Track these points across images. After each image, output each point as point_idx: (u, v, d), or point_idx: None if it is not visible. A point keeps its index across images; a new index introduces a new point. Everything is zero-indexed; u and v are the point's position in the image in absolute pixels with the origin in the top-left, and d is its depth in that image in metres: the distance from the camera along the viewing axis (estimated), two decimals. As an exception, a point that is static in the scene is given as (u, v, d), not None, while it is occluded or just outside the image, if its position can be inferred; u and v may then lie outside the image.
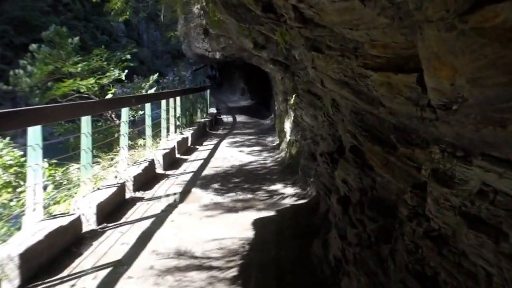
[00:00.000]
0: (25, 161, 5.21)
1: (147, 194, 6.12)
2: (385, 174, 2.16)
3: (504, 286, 1.25)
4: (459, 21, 0.92)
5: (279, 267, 3.96)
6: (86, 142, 5.11)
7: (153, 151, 7.98)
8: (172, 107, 10.04)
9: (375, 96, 1.98)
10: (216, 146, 10.55)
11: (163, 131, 9.18)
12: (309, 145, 6.08)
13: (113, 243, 4.30)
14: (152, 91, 11.38)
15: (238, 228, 4.80)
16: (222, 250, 4.16)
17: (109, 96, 9.74)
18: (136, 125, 10.01)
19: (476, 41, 0.90)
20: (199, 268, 3.76)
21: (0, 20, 32.22)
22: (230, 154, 9.45)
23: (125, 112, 6.54)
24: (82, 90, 9.53)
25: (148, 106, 7.95)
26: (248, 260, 4.00)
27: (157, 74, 13.08)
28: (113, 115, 10.16)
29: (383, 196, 2.29)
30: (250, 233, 4.66)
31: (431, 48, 1.21)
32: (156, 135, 9.23)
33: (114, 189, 5.35)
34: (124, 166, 6.52)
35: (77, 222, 4.36)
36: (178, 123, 10.62)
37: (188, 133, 10.67)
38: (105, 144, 8.88)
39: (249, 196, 6.20)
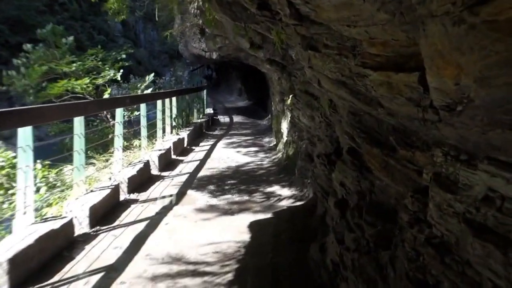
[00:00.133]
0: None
1: (142, 196, 6.03)
2: (384, 177, 2.08)
3: (513, 298, 1.17)
4: (468, 14, 0.84)
5: (275, 272, 3.87)
6: (79, 143, 5.02)
7: (149, 152, 7.89)
8: (168, 107, 9.94)
9: (373, 97, 1.90)
10: (212, 147, 10.46)
11: (159, 132, 9.09)
12: (306, 146, 6.00)
13: (106, 247, 4.21)
14: (148, 91, 11.28)
15: (234, 231, 4.72)
16: (217, 254, 4.07)
17: (105, 96, 9.64)
18: (132, 125, 9.91)
19: (488, 36, 0.82)
20: (193, 273, 3.67)
21: (-4, 19, 32.03)
22: (226, 155, 9.36)
23: (119, 113, 6.44)
24: (76, 90, 9.41)
25: (143, 106, 7.85)
26: (244, 264, 3.91)
27: (153, 74, 12.96)
28: (108, 116, 10.05)
29: (382, 200, 2.22)
30: (246, 236, 4.58)
31: (434, 45, 1.13)
32: (152, 135, 9.14)
33: (108, 191, 5.25)
34: (119, 168, 6.42)
35: (69, 226, 4.26)
36: (174, 123, 10.52)
37: (184, 133, 10.57)
38: (100, 144, 8.79)
39: (245, 198, 6.11)
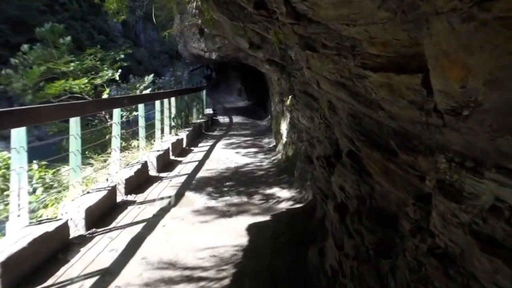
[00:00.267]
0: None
1: (139, 197, 5.96)
2: (385, 182, 2.00)
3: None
4: (479, 10, 0.77)
5: (274, 275, 3.80)
6: (75, 144, 4.94)
7: (147, 153, 7.81)
8: (167, 108, 9.87)
9: (374, 99, 1.82)
10: (211, 148, 10.38)
11: (158, 132, 9.01)
12: (305, 148, 5.92)
13: (101, 250, 4.14)
14: (146, 91, 11.20)
15: (232, 234, 4.64)
16: (214, 258, 4.00)
17: (104, 97, 9.56)
18: (131, 125, 9.83)
19: (501, 34, 0.74)
20: (190, 277, 3.59)
21: (-4, 19, 32.01)
22: (225, 156, 9.29)
23: (117, 113, 6.37)
24: (74, 90, 9.34)
25: (141, 107, 7.78)
26: (241, 268, 3.84)
27: (152, 75, 12.88)
28: (106, 116, 9.98)
29: (383, 205, 2.14)
30: (244, 239, 4.51)
31: (439, 44, 1.05)
32: (150, 136, 9.06)
33: (104, 192, 5.18)
34: (116, 169, 6.34)
35: (64, 228, 4.19)
36: (173, 124, 10.45)
37: (183, 134, 10.50)
38: (99, 144, 8.72)
39: (244, 199, 6.04)
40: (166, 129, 9.86)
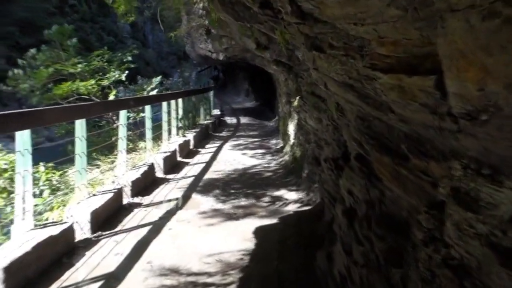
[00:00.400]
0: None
1: (146, 199, 5.92)
2: (395, 188, 1.92)
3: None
4: (504, 5, 0.69)
5: (281, 280, 3.74)
6: (80, 146, 4.91)
7: (154, 155, 7.78)
8: (174, 109, 9.84)
9: (383, 101, 1.74)
10: (218, 149, 10.34)
11: (165, 134, 8.98)
12: (313, 149, 5.83)
13: (107, 253, 4.10)
14: (153, 92, 11.18)
15: (239, 237, 4.58)
16: (220, 262, 3.94)
17: (111, 98, 9.55)
18: (138, 127, 9.81)
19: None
20: (196, 283, 3.53)
21: (6, 22, 32.34)
22: (232, 157, 9.23)
23: (123, 115, 6.35)
24: (81, 91, 9.34)
25: (148, 108, 7.75)
26: (248, 272, 3.77)
27: (160, 76, 12.87)
28: (114, 117, 9.97)
29: (393, 211, 2.05)
30: (250, 243, 4.44)
31: (455, 44, 0.97)
32: (157, 137, 9.04)
33: (110, 195, 5.15)
34: (123, 171, 6.32)
35: (69, 231, 4.16)
36: (180, 125, 10.41)
37: (190, 135, 10.46)
38: (106, 146, 8.71)
39: (251, 202, 5.97)
40: (173, 130, 9.83)
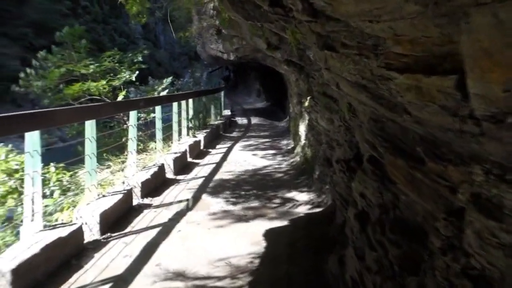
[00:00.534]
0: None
1: (156, 200, 5.89)
2: (410, 192, 1.84)
3: None
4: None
5: (291, 284, 3.67)
6: (90, 147, 4.90)
7: (164, 155, 7.76)
8: (185, 109, 9.82)
9: (398, 102, 1.67)
10: (229, 150, 10.29)
11: (175, 134, 8.96)
12: (324, 150, 5.75)
13: (115, 255, 4.07)
14: (164, 93, 11.19)
15: (248, 239, 4.52)
16: (230, 265, 3.88)
17: (119, 98, 9.57)
18: (149, 127, 9.81)
19: None
20: (205, 286, 3.48)
21: (20, 23, 32.75)
22: (243, 158, 9.18)
23: (133, 116, 6.33)
24: (92, 92, 9.37)
25: (158, 109, 7.74)
26: (257, 276, 3.71)
27: (171, 77, 12.88)
28: (125, 118, 9.99)
29: (408, 216, 1.98)
30: (260, 245, 4.38)
31: (479, 42, 0.90)
32: (168, 138, 9.03)
33: (120, 196, 5.13)
34: (133, 171, 6.30)
35: (78, 233, 4.14)
36: (190, 125, 10.40)
37: (201, 136, 10.44)
38: (117, 146, 8.72)
39: (261, 203, 5.91)
40: (184, 131, 9.81)
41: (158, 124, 7.68)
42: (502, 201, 1.17)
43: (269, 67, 12.05)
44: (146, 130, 9.50)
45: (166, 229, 4.79)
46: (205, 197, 6.15)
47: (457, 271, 1.41)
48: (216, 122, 13.81)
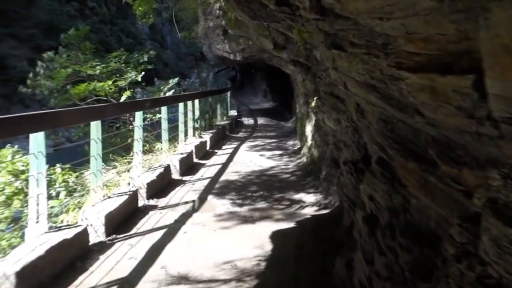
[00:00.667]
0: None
1: (161, 202, 5.86)
2: (423, 196, 1.78)
3: None
4: None
5: (298, 287, 3.61)
6: (95, 148, 4.87)
7: (170, 156, 7.73)
8: (191, 110, 9.79)
9: (409, 103, 1.61)
10: (235, 150, 10.25)
11: (181, 135, 8.93)
12: (331, 151, 5.68)
13: (121, 257, 4.03)
14: (169, 93, 11.17)
15: (254, 241, 4.47)
16: (235, 268, 3.83)
17: (123, 98, 9.56)
18: (155, 128, 9.80)
19: None
20: (210, 289, 3.44)
21: (28, 24, 33.02)
22: (249, 159, 9.12)
23: (139, 116, 6.30)
24: (98, 91, 9.37)
25: (164, 109, 7.71)
26: (264, 279, 3.65)
27: (177, 78, 12.87)
28: (131, 118, 9.99)
29: (419, 221, 1.91)
30: (266, 248, 4.32)
31: (499, 38, 0.84)
32: (174, 138, 9.00)
33: (125, 197, 5.10)
34: (138, 172, 6.28)
35: (83, 234, 4.11)
36: (196, 126, 10.37)
37: (207, 136, 10.40)
38: (123, 147, 8.72)
39: (268, 204, 5.85)
40: (190, 131, 9.79)
41: (164, 125, 7.65)
42: (521, 208, 1.11)
43: (276, 67, 12.00)
44: (152, 131, 9.49)
45: (171, 230, 4.75)
46: (211, 198, 6.11)
47: (472, 279, 1.35)
48: (222, 123, 13.78)
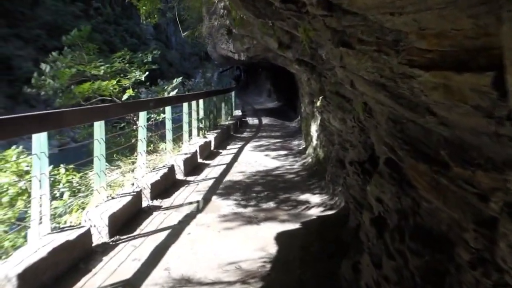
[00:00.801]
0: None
1: (165, 202, 5.81)
2: (434, 199, 1.71)
3: None
4: None
5: (304, 289, 3.55)
6: (99, 148, 4.83)
7: (174, 156, 7.69)
8: (195, 110, 9.75)
9: (420, 102, 1.55)
10: (240, 150, 10.19)
11: (185, 135, 8.89)
12: (337, 151, 5.61)
13: (124, 259, 3.99)
14: (173, 93, 11.14)
15: (259, 242, 4.41)
16: (240, 270, 3.77)
17: (124, 97, 9.53)
18: (159, 128, 9.77)
19: None
20: (214, 291, 3.39)
21: (34, 25, 33.17)
22: (254, 159, 9.07)
23: (142, 116, 6.26)
24: (103, 90, 9.35)
25: (168, 109, 7.67)
26: (269, 281, 3.59)
27: (181, 78, 12.84)
28: (135, 118, 9.97)
29: (430, 224, 1.85)
30: (271, 249, 4.26)
31: (524, 32, 0.78)
32: (178, 138, 8.96)
33: (129, 198, 5.05)
34: (142, 173, 6.24)
35: (86, 236, 4.07)
36: (201, 126, 10.33)
37: (211, 136, 10.36)
38: (128, 147, 8.70)
39: (272, 205, 5.79)
40: (194, 131, 9.74)
41: (168, 125, 7.61)
42: (543, 213, 1.04)
43: (280, 66, 11.94)
44: (156, 131, 9.46)
45: (175, 231, 4.70)
46: (215, 199, 6.06)
47: (487, 287, 1.28)
48: (226, 123, 13.73)
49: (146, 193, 5.75)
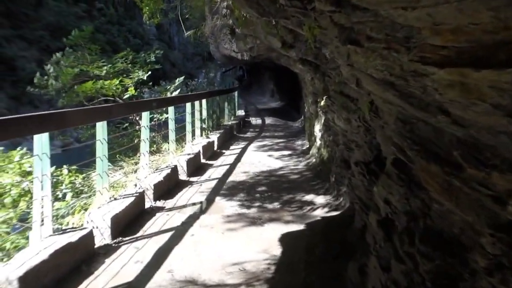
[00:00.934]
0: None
1: (168, 203, 5.76)
2: (446, 201, 1.65)
3: None
4: None
5: (309, 292, 3.49)
6: (101, 149, 4.79)
7: (177, 156, 7.64)
8: (198, 110, 9.71)
9: (432, 101, 1.49)
10: (243, 150, 10.14)
11: (188, 135, 8.85)
12: (341, 151, 5.55)
13: (126, 261, 3.94)
14: (176, 93, 11.10)
15: (263, 244, 4.36)
16: (244, 272, 3.72)
17: (126, 97, 9.50)
18: (162, 128, 9.73)
19: None
20: (217, 294, 3.34)
21: (37, 26, 33.27)
22: (257, 159, 9.01)
23: (145, 117, 6.22)
24: (105, 92, 9.32)
25: (171, 109, 7.62)
26: (273, 284, 3.54)
27: (183, 77, 12.80)
28: (137, 118, 9.93)
29: (441, 227, 1.79)
30: (276, 251, 4.21)
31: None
32: (181, 138, 8.92)
33: (132, 199, 5.01)
34: (145, 173, 6.19)
35: (88, 237, 4.02)
36: (204, 126, 10.28)
37: (214, 136, 10.31)
38: (131, 147, 8.66)
39: (277, 206, 5.74)
40: (197, 131, 9.70)
41: (171, 125, 7.56)
42: None
43: (284, 66, 11.88)
44: (159, 131, 9.42)
45: (178, 233, 4.65)
46: (218, 199, 6.01)
47: (506, 294, 1.22)
48: (229, 123, 13.68)
49: (149, 194, 5.70)
